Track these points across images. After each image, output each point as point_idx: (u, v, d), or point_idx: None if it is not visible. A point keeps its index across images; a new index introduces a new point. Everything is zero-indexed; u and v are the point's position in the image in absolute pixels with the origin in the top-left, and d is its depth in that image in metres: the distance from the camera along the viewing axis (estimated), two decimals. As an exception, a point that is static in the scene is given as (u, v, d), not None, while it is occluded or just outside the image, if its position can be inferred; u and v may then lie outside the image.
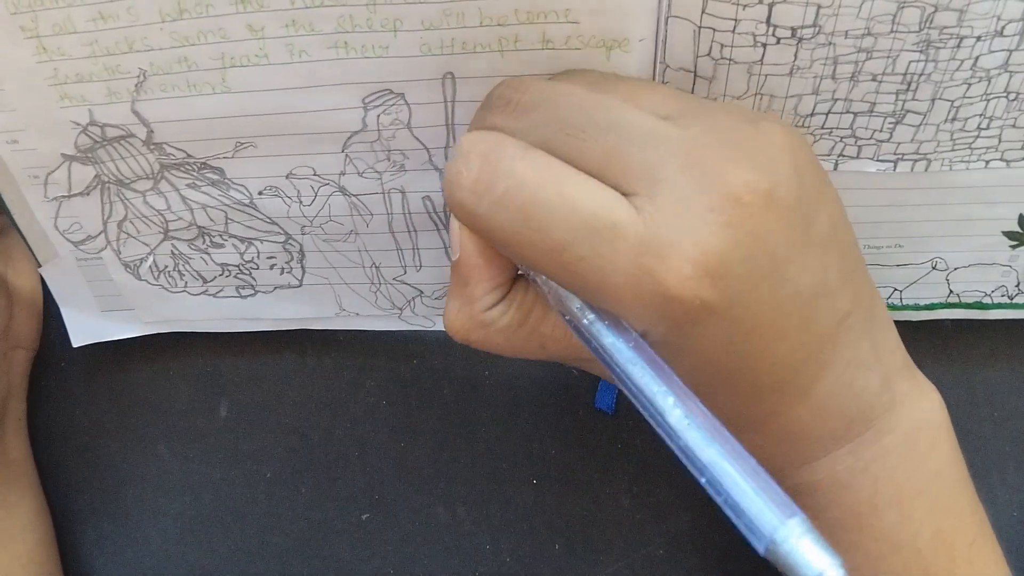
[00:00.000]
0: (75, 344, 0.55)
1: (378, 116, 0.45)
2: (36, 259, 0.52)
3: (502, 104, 0.39)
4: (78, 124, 0.45)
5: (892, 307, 0.53)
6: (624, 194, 0.35)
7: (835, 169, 0.46)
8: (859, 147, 0.45)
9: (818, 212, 0.37)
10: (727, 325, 0.36)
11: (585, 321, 0.37)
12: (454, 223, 0.39)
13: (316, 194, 0.48)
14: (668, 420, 0.34)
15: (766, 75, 0.42)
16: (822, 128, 0.44)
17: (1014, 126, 0.44)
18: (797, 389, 0.39)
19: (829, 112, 0.43)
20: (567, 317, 0.39)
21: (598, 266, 0.35)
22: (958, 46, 0.41)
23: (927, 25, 0.40)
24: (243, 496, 0.59)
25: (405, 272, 0.51)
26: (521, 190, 0.35)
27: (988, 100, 0.43)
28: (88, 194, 0.48)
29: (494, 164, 0.36)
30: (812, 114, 0.43)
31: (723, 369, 0.37)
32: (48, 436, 0.58)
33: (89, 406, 0.59)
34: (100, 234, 0.50)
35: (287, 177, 0.48)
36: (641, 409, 0.35)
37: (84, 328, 0.55)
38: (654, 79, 0.43)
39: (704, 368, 0.37)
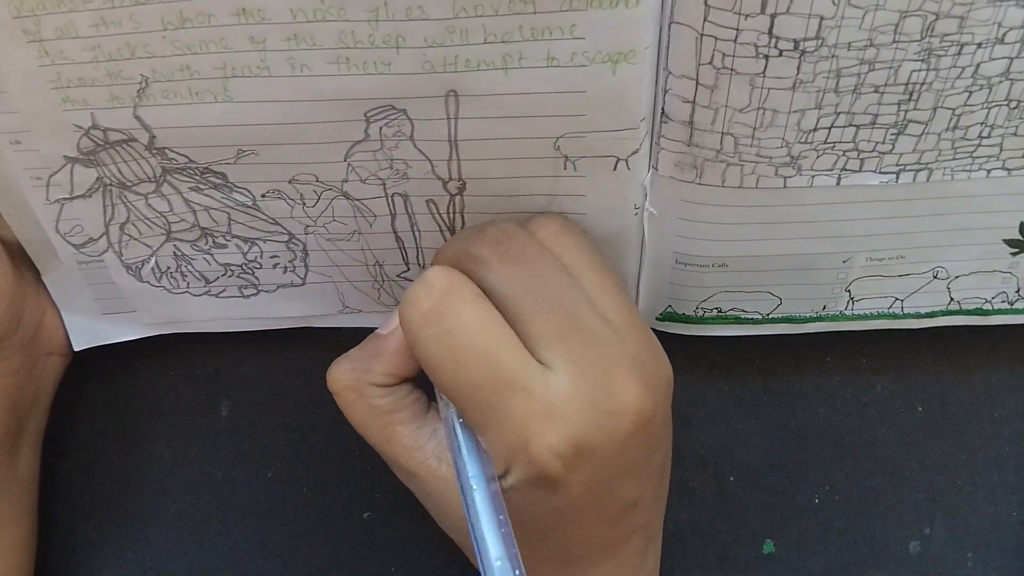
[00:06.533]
0: (76, 348, 0.55)
1: (380, 128, 0.45)
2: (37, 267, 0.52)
3: (490, 243, 0.43)
4: (80, 127, 0.45)
5: (893, 316, 0.53)
6: (541, 360, 0.41)
7: (838, 184, 0.46)
8: (861, 160, 0.45)
9: (660, 447, 0.45)
10: (559, 497, 0.42)
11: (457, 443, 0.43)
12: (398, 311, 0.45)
13: (319, 197, 0.48)
14: (488, 552, 0.40)
15: (768, 88, 0.42)
16: (825, 143, 0.44)
17: (1015, 134, 0.44)
18: (583, 564, 0.45)
19: (832, 126, 0.43)
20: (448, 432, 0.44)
21: (499, 409, 0.40)
22: (959, 53, 0.41)
23: (928, 33, 0.40)
24: (244, 496, 0.59)
25: (408, 269, 0.52)
26: (462, 332, 0.40)
27: (989, 108, 0.43)
28: (90, 196, 0.48)
29: (449, 302, 0.41)
30: (815, 129, 0.43)
31: (543, 525, 0.43)
32: (48, 436, 0.57)
33: (89, 406, 0.59)
34: (102, 236, 0.50)
35: (290, 182, 0.47)
36: (469, 523, 0.41)
37: (85, 331, 0.55)
38: (656, 85, 0.43)
39: (531, 519, 0.42)
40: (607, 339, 0.42)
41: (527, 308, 0.41)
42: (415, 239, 0.50)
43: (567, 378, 0.40)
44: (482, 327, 0.40)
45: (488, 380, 0.40)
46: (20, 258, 0.51)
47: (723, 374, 0.57)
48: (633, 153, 0.45)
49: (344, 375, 0.46)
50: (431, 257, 0.51)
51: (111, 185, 0.48)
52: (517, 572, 0.39)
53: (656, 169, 0.46)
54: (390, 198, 0.48)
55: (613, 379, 0.41)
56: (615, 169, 0.46)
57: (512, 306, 0.42)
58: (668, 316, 0.53)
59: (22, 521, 0.55)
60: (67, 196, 0.48)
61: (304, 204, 0.49)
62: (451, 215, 0.49)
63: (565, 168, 0.46)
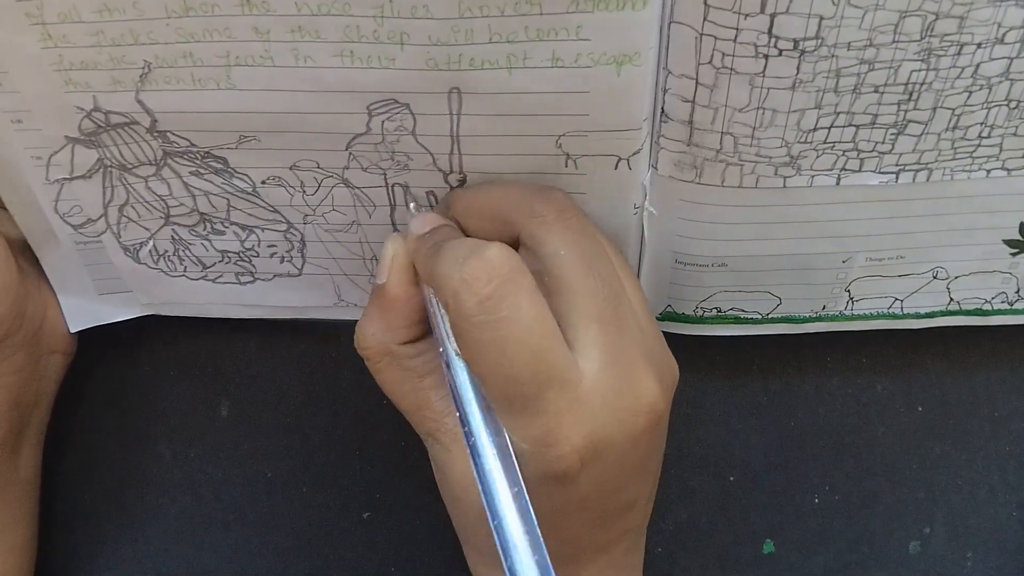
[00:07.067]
0: (73, 329, 0.55)
1: (383, 122, 0.45)
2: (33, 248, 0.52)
3: (556, 207, 0.43)
4: (82, 109, 0.45)
5: (893, 316, 0.53)
6: (571, 340, 0.40)
7: (837, 184, 0.46)
8: (861, 160, 0.45)
9: (661, 448, 0.45)
10: (568, 493, 0.41)
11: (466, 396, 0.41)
12: (388, 248, 0.44)
13: (319, 185, 0.48)
14: (502, 512, 0.39)
15: (768, 88, 0.42)
16: (824, 143, 0.44)
17: (1015, 134, 0.44)
18: (577, 564, 0.45)
19: (832, 126, 0.43)
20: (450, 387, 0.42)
21: (535, 403, 0.39)
22: (959, 53, 0.41)
23: (928, 33, 0.40)
24: (244, 496, 0.59)
25: None
26: (516, 324, 0.39)
27: (989, 108, 0.43)
28: (90, 177, 0.48)
29: (509, 289, 0.39)
30: (815, 128, 0.43)
31: (544, 522, 0.40)
32: (48, 436, 0.57)
33: (89, 406, 0.59)
34: (100, 218, 0.50)
35: (291, 168, 0.48)
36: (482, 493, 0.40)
37: (82, 312, 0.55)
38: (656, 85, 0.43)
39: (537, 508, 0.40)
40: (634, 329, 0.42)
41: (580, 282, 0.41)
42: None
43: (596, 365, 0.40)
44: (536, 321, 0.39)
45: (532, 375, 0.39)
46: (22, 255, 0.52)
47: (723, 374, 0.57)
48: (635, 153, 0.45)
49: (373, 339, 0.44)
50: None
51: (111, 167, 0.48)
52: (539, 555, 0.38)
53: (656, 169, 0.46)
54: (390, 188, 0.48)
55: (636, 372, 0.41)
56: (616, 168, 0.46)
57: (564, 275, 0.41)
58: (668, 316, 0.53)
59: (23, 521, 0.55)
60: (67, 176, 0.48)
61: (304, 192, 0.49)
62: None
63: (566, 166, 0.46)
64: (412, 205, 0.48)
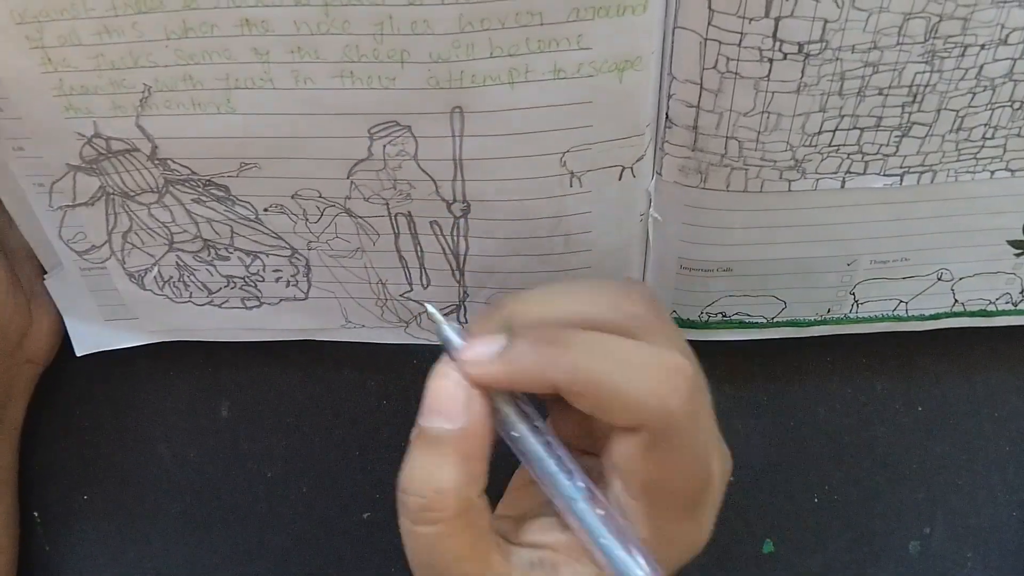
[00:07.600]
0: (79, 353, 0.55)
1: (384, 146, 0.44)
2: (42, 265, 0.52)
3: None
4: (83, 135, 0.45)
5: (897, 319, 0.53)
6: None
7: (842, 187, 0.46)
8: (866, 163, 0.45)
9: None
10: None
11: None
12: (450, 382, 0.38)
13: (322, 214, 0.48)
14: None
15: (773, 92, 0.42)
16: (829, 146, 0.44)
17: (1019, 135, 0.44)
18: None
19: (836, 129, 0.43)
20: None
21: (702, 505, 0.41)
22: (963, 55, 0.41)
23: (932, 35, 0.40)
24: (244, 496, 0.59)
25: (412, 289, 0.51)
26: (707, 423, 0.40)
27: (993, 109, 0.43)
28: (93, 204, 0.48)
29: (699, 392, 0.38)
30: (819, 132, 0.43)
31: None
32: (48, 437, 0.57)
33: (89, 407, 0.59)
34: (104, 244, 0.50)
35: (292, 197, 0.47)
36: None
37: (88, 337, 0.55)
38: (660, 90, 0.43)
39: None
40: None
41: None
42: (419, 259, 0.50)
43: None
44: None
45: (710, 478, 0.41)
46: (14, 269, 0.52)
47: (724, 375, 0.57)
48: (639, 160, 0.45)
49: (459, 501, 0.37)
50: (435, 278, 0.51)
51: (114, 194, 0.47)
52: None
53: (660, 175, 0.46)
54: (393, 217, 0.48)
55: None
56: (620, 179, 0.45)
57: None
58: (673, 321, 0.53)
59: None
60: (70, 203, 0.48)
61: (307, 220, 0.48)
62: (455, 238, 0.49)
63: (571, 185, 0.45)
64: (450, 327, 0.40)
